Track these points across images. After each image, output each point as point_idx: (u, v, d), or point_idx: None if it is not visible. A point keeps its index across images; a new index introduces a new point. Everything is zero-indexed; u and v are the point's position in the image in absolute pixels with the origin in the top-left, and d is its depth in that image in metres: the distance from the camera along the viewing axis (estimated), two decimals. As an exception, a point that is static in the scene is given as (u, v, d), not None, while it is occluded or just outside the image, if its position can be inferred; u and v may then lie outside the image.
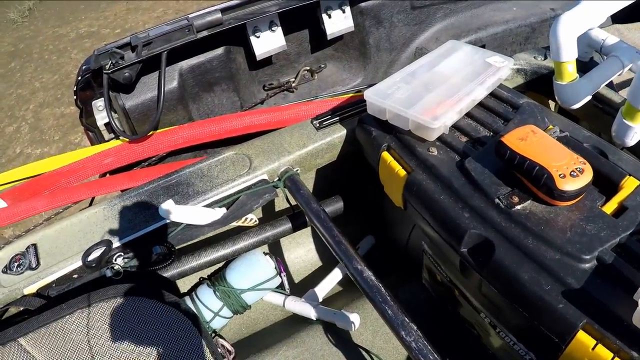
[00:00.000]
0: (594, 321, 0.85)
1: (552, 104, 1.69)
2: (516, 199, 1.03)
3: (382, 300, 1.09)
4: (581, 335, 0.85)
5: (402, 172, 1.19)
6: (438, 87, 1.29)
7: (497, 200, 1.04)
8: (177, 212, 1.22)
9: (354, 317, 1.38)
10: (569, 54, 1.33)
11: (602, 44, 1.49)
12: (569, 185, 0.97)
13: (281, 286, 1.50)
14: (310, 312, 1.45)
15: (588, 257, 0.92)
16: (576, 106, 1.38)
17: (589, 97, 1.39)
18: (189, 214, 1.26)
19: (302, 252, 1.77)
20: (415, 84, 1.31)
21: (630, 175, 1.06)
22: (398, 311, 1.06)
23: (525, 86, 1.62)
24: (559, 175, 0.98)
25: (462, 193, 1.08)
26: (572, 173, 0.98)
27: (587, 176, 0.99)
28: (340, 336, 1.44)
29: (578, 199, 1.01)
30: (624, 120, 1.25)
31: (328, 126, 1.47)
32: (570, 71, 1.35)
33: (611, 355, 0.82)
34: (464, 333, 1.34)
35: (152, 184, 1.38)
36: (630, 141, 1.27)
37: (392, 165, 1.22)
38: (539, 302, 0.90)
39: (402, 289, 1.55)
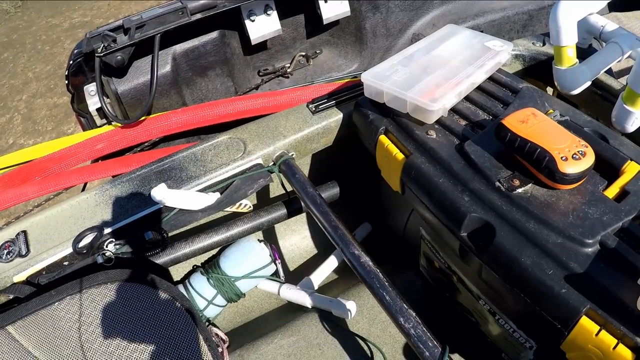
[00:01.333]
0: (597, 307, 0.83)
1: (550, 90, 1.68)
2: (517, 182, 1.01)
3: (380, 286, 1.07)
4: (584, 321, 0.83)
5: (400, 156, 1.17)
6: (437, 70, 1.27)
7: (497, 184, 1.02)
8: (169, 196, 1.20)
9: (350, 305, 1.36)
10: (568, 38, 1.31)
11: (602, 31, 1.47)
12: (571, 168, 0.95)
13: (276, 274, 1.48)
14: (305, 299, 1.43)
15: (591, 241, 0.90)
16: (575, 92, 1.36)
17: (589, 83, 1.37)
18: (181, 198, 1.24)
19: (297, 239, 1.75)
20: (414, 67, 1.29)
21: (631, 160, 1.05)
22: (396, 297, 1.04)
23: (523, 72, 1.60)
24: (561, 157, 0.96)
25: (461, 176, 1.06)
26: (574, 156, 0.96)
27: (589, 159, 0.97)
28: (336, 324, 1.41)
29: (580, 182, 1.00)
30: (624, 105, 1.23)
31: (324, 110, 1.45)
32: (570, 56, 1.33)
33: (615, 341, 0.80)
34: (462, 320, 1.32)
35: (145, 169, 1.36)
36: (631, 127, 1.25)
37: (389, 148, 1.20)
38: (541, 287, 0.88)
39: (399, 276, 1.52)
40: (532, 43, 1.63)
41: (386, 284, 1.07)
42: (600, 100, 1.45)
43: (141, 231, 1.26)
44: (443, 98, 1.17)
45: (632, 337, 0.79)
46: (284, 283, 1.49)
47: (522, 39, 1.65)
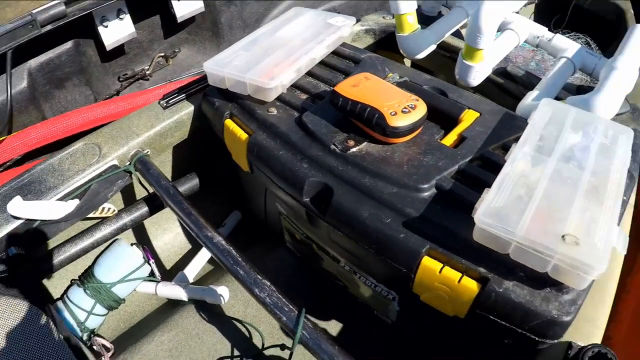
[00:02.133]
0: (437, 245, 0.87)
1: (407, 61, 1.72)
2: (352, 143, 1.05)
3: (233, 262, 1.09)
4: (426, 261, 0.87)
5: (244, 136, 1.18)
6: (277, 51, 1.29)
7: (332, 147, 1.05)
8: (26, 209, 1.18)
9: (222, 290, 1.37)
10: (406, 6, 1.35)
11: (448, -2, 1.53)
12: (400, 121, 1.00)
13: (152, 274, 1.47)
14: (180, 293, 1.43)
15: (426, 186, 0.95)
16: (420, 56, 1.41)
17: (434, 46, 1.42)
18: (39, 209, 1.21)
19: (169, 237, 1.74)
20: (255, 50, 1.31)
21: (469, 108, 1.11)
22: (250, 270, 1.06)
23: (375, 45, 1.65)
24: (390, 113, 1.00)
25: (299, 145, 1.09)
26: (404, 110, 1.01)
27: (420, 111, 1.02)
28: (212, 312, 1.42)
29: (414, 134, 1.04)
30: (464, 61, 1.28)
31: (175, 104, 1.44)
32: (410, 22, 1.38)
33: (459, 275, 0.85)
34: (332, 287, 1.35)
35: (4, 187, 1.32)
36: (474, 81, 1.30)
37: (234, 131, 1.21)
38: (381, 236, 0.91)
39: (269, 256, 1.55)
40: (382, 17, 1.68)
41: (239, 259, 1.09)
42: (452, 63, 1.49)
43: (4, 248, 1.23)
44: (280, 75, 1.19)
45: (474, 269, 0.84)
46: (159, 282, 1.48)
47: (373, 14, 1.68)
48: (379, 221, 0.92)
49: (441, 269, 0.86)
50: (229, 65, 1.24)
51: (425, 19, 1.54)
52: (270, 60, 1.25)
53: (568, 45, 1.37)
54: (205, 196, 1.53)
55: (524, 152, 0.93)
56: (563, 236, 0.77)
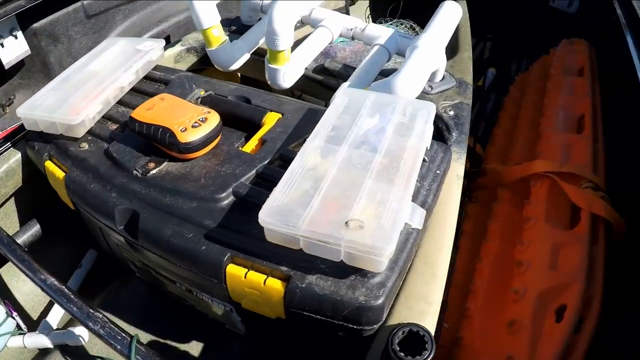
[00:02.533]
0: (239, 252, 0.88)
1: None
2: (152, 165, 1.05)
3: (66, 300, 1.05)
4: (231, 269, 0.88)
5: (61, 175, 1.16)
6: (86, 84, 1.27)
7: (135, 172, 1.05)
8: None
9: (80, 331, 1.33)
10: (208, 20, 1.35)
11: (262, 4, 1.53)
12: (191, 136, 1.00)
13: (18, 327, 1.42)
14: (45, 341, 1.38)
15: (223, 195, 0.96)
16: (233, 67, 1.43)
17: (247, 56, 1.42)
18: None
19: (29, 286, 1.68)
20: (66, 88, 1.28)
21: (271, 111, 1.12)
22: (83, 305, 1.03)
23: (199, 62, 1.65)
24: (180, 129, 1.01)
25: (107, 176, 1.08)
26: (194, 124, 1.02)
27: (211, 124, 1.03)
28: (76, 354, 1.39)
29: (211, 146, 1.05)
30: (270, 65, 1.28)
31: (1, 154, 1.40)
32: (216, 35, 1.38)
33: (264, 277, 0.86)
34: (183, 308, 1.34)
35: None
36: (284, 83, 1.31)
37: (54, 171, 1.19)
38: (185, 251, 0.92)
39: (123, 288, 1.53)
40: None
41: (72, 296, 1.06)
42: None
43: None
44: (86, 109, 1.17)
45: (277, 268, 0.85)
46: (26, 333, 1.43)
47: (194, 32, 1.67)
48: (182, 237, 0.93)
49: (246, 274, 0.87)
50: (39, 107, 1.21)
51: (246, 29, 1.54)
52: (78, 95, 1.22)
53: (381, 33, 1.40)
54: (58, 240, 1.50)
55: (313, 145, 0.94)
56: (347, 222, 0.77)
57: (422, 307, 0.93)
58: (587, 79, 2.09)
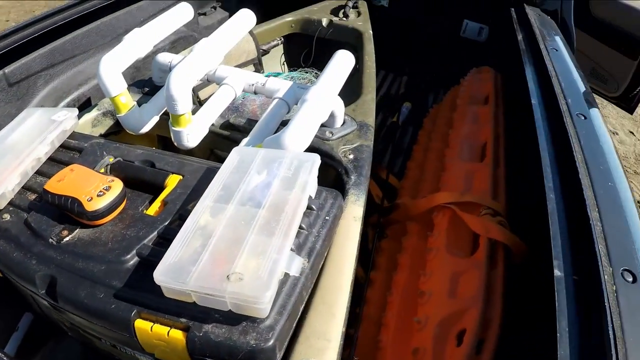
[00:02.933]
0: (144, 308, 0.97)
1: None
2: (65, 233, 1.14)
3: None
4: (139, 323, 0.97)
5: None
6: (5, 157, 1.33)
7: (50, 240, 1.13)
8: None
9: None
10: (115, 88, 1.44)
11: (170, 65, 1.62)
12: (97, 204, 1.10)
13: None
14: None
15: (128, 257, 1.05)
16: (144, 130, 1.51)
17: (156, 118, 1.51)
18: None
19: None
20: (-15, 164, 1.34)
21: (173, 173, 1.20)
22: None
23: (116, 126, 1.72)
24: (87, 199, 1.09)
25: (27, 245, 1.16)
26: (99, 193, 1.11)
27: (115, 191, 1.12)
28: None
29: (118, 211, 1.15)
30: (173, 127, 1.37)
31: None
32: (124, 102, 1.47)
33: (167, 329, 0.95)
34: None
35: None
36: (189, 143, 1.41)
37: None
38: (99, 311, 1.01)
39: (59, 349, 1.60)
40: None
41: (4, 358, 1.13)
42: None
43: None
44: (5, 183, 1.25)
45: (177, 320, 0.95)
46: None
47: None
48: (95, 298, 1.01)
49: (151, 327, 0.96)
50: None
51: (158, 89, 1.63)
52: (-2, 169, 1.30)
53: (280, 86, 1.50)
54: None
55: (204, 205, 1.04)
56: (228, 276, 0.87)
57: (322, 344, 1.03)
58: (491, 106, 2.17)
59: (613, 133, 4.94)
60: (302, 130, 1.29)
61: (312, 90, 1.36)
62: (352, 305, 1.55)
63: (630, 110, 3.22)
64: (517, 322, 1.33)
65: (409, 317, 1.44)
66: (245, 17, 1.71)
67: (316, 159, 1.14)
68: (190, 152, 1.58)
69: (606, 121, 4.87)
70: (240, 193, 1.06)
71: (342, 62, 1.50)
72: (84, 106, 1.91)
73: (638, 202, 3.80)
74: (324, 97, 1.35)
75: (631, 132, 5.01)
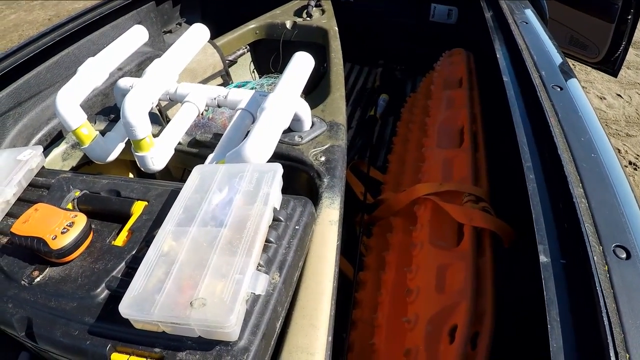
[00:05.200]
0: (119, 341, 0.97)
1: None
2: (36, 273, 1.13)
3: None
4: (115, 357, 0.96)
5: None
6: (-29, 204, 1.33)
7: (22, 282, 1.12)
8: None
9: None
10: (74, 121, 1.43)
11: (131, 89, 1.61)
12: (62, 242, 1.09)
13: None
14: None
15: (97, 291, 1.05)
16: (110, 159, 1.50)
17: (122, 145, 1.50)
18: None
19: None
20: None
21: (137, 200, 1.20)
22: None
23: (86, 157, 1.70)
24: (51, 237, 1.08)
25: (1, 289, 1.15)
26: (63, 230, 1.10)
27: (78, 226, 1.11)
28: None
29: (84, 246, 1.14)
30: (136, 153, 1.36)
31: None
32: (86, 133, 1.47)
33: (143, 359, 0.94)
34: None
35: None
36: (154, 166, 1.40)
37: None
38: (75, 348, 1.00)
39: None
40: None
41: None
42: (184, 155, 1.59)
43: None
44: (-28, 229, 1.23)
45: (152, 351, 0.94)
46: None
47: None
48: (70, 336, 1.00)
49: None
50: None
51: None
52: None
53: (242, 97, 1.50)
54: None
55: (165, 231, 1.03)
56: (191, 302, 0.86)
57: (305, 357, 1.02)
58: (465, 89, 2.16)
59: (601, 98, 4.93)
60: (262, 139, 1.28)
61: (269, 97, 1.35)
62: (345, 309, 1.54)
63: (614, 74, 3.22)
64: (513, 311, 1.31)
65: (399, 317, 1.41)
66: (198, 32, 1.70)
67: (278, 169, 1.13)
68: (166, 171, 1.57)
69: (586, 90, 4.87)
70: (202, 213, 1.05)
71: (300, 65, 1.49)
72: (56, 140, 1.90)
73: (633, 164, 3.79)
74: (282, 103, 1.34)
75: (619, 94, 4.99)
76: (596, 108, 4.76)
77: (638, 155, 4.10)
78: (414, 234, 1.60)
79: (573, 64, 5.21)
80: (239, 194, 1.08)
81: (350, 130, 3.00)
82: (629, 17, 2.91)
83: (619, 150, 4.17)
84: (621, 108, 4.79)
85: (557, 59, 1.75)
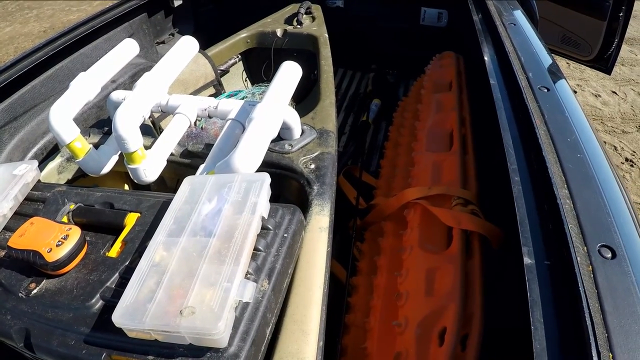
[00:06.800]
0: (114, 350, 0.99)
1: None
2: (33, 285, 1.16)
3: None
4: None
5: None
6: (-29, 218, 1.35)
7: (20, 294, 1.15)
8: None
9: None
10: (68, 135, 1.46)
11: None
12: (57, 254, 1.12)
13: None
14: None
15: (92, 302, 1.07)
16: (104, 171, 1.53)
17: (116, 157, 1.52)
18: None
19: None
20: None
21: (130, 212, 1.22)
22: None
23: (81, 170, 1.71)
24: (47, 250, 1.11)
25: (0, 301, 1.18)
26: (58, 243, 1.13)
27: (73, 239, 1.14)
28: None
29: (79, 258, 1.17)
30: (129, 165, 1.39)
31: None
32: (79, 147, 1.49)
33: None
34: None
35: None
36: (147, 178, 1.43)
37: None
38: (72, 357, 1.02)
39: None
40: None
41: None
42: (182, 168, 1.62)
43: None
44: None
45: (144, 358, 0.97)
46: None
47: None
48: (67, 345, 1.03)
49: None
50: None
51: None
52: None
53: (232, 107, 1.52)
54: None
55: (156, 242, 1.06)
56: (181, 311, 0.89)
57: (296, 363, 1.05)
58: (455, 92, 2.17)
59: (596, 95, 4.96)
60: (250, 150, 1.31)
61: (257, 107, 1.37)
62: (338, 315, 1.57)
63: (608, 71, 3.24)
64: (501, 313, 1.31)
65: (390, 321, 1.43)
66: (187, 44, 1.73)
67: (265, 178, 1.15)
68: (160, 181, 1.60)
69: (580, 88, 4.89)
70: (191, 224, 1.08)
71: (287, 74, 1.52)
72: (52, 152, 1.93)
73: (630, 161, 3.81)
74: (269, 113, 1.37)
75: (614, 92, 5.02)
76: (591, 106, 4.79)
77: (634, 152, 4.13)
78: (404, 238, 1.62)
79: (567, 63, 5.25)
80: (228, 204, 1.11)
81: (343, 136, 3.03)
82: (621, 14, 2.93)
83: (615, 148, 4.20)
84: (616, 105, 4.82)
85: (545, 59, 1.77)
